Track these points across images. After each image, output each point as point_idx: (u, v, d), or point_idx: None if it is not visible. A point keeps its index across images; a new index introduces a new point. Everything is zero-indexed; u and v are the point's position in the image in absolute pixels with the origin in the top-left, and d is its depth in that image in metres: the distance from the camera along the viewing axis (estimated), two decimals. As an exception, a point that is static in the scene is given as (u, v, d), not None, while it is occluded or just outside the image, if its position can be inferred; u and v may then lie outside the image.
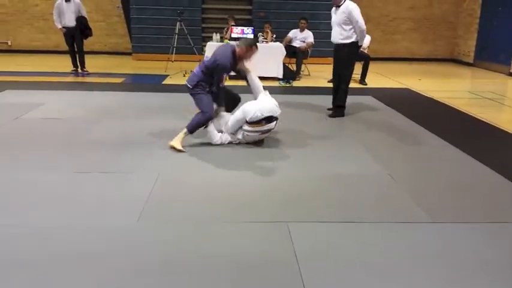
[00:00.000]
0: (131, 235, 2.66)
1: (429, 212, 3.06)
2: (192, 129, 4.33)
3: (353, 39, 5.45)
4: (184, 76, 8.56)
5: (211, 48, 8.36)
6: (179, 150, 4.18)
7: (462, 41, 12.17)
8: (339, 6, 5.44)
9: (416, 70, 10.61)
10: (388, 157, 4.21)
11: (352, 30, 5.41)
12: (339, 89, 5.71)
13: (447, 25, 12.41)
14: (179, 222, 2.83)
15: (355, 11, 5.33)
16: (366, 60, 8.26)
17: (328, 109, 5.98)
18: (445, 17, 12.36)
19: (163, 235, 2.68)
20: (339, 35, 5.47)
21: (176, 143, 4.22)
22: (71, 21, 8.29)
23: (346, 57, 5.55)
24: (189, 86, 4.34)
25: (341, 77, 5.67)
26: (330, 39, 5.76)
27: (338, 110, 5.76)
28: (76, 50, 8.55)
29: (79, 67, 8.65)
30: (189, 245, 2.57)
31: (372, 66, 8.56)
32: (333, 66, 5.87)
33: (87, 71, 8.64)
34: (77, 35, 8.41)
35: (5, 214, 2.89)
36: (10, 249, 2.47)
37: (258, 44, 4.44)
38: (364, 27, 5.39)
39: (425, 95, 7.41)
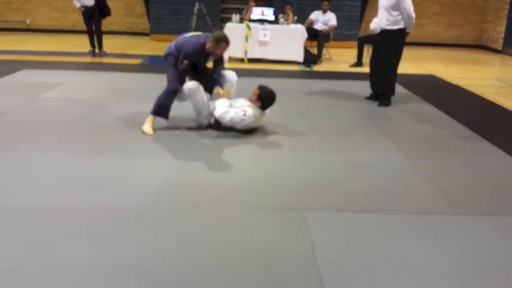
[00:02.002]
0: (145, 219, 2.60)
1: (451, 204, 2.92)
2: (155, 110, 4.15)
3: (400, 26, 5.15)
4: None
5: (229, 30, 8.21)
6: (147, 133, 4.08)
7: (491, 26, 11.72)
8: None
9: (443, 56, 10.28)
10: (411, 146, 4.04)
11: (400, 16, 5.11)
12: (384, 79, 5.43)
13: (476, 10, 11.97)
14: (193, 207, 2.75)
15: None
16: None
17: (367, 98, 5.71)
18: (473, 1, 11.92)
19: (177, 220, 2.61)
20: (386, 20, 5.18)
21: (146, 126, 4.13)
22: (89, 1, 8.21)
23: (393, 44, 5.25)
24: (164, 56, 4.21)
25: (386, 65, 5.38)
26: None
27: (385, 98, 5.47)
28: (94, 29, 8.48)
29: (97, 47, 8.59)
30: (202, 230, 2.49)
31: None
32: (375, 52, 5.65)
33: (104, 52, 8.57)
34: (96, 15, 8.32)
35: (22, 194, 2.86)
36: (27, 229, 2.45)
37: (229, 39, 4.03)
38: (413, 14, 5.10)
39: (451, 82, 7.14)
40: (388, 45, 5.27)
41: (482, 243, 2.49)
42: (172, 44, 4.19)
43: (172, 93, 4.15)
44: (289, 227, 2.58)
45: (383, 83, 5.44)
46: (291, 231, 2.53)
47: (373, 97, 5.65)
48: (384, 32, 5.26)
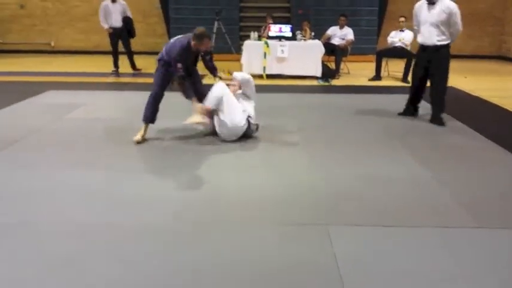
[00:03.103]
0: (166, 236, 2.64)
1: (475, 217, 2.90)
2: (144, 117, 4.48)
3: (449, 40, 5.09)
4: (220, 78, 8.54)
5: (248, 47, 8.34)
6: (137, 142, 4.37)
7: (510, 37, 11.62)
8: (433, 3, 4.99)
9: (462, 67, 10.20)
10: (432, 159, 4.02)
11: (449, 30, 5.03)
12: (437, 96, 5.23)
13: (494, 21, 11.89)
14: (214, 223, 2.79)
15: (457, 11, 4.95)
16: (409, 57, 7.99)
17: (400, 114, 5.56)
18: (491, 12, 11.85)
19: (198, 236, 2.64)
20: (436, 36, 5.02)
21: (138, 136, 4.43)
22: (117, 22, 8.37)
23: (445, 60, 5.14)
24: (157, 59, 4.54)
25: (443, 82, 5.19)
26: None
27: (438, 116, 5.25)
28: (125, 51, 8.64)
29: (131, 68, 8.72)
30: (223, 246, 2.52)
31: (415, 63, 8.27)
32: (418, 68, 5.37)
33: (138, 70, 8.71)
34: (124, 36, 8.49)
35: (48, 211, 2.94)
36: (54, 245, 2.52)
37: (211, 35, 4.57)
38: (461, 27, 5.05)
39: (472, 93, 7.09)
40: (443, 61, 5.13)
41: (507, 257, 2.46)
42: (163, 50, 4.49)
43: (153, 98, 4.50)
44: (313, 241, 2.59)
45: (437, 99, 5.25)
46: (315, 246, 2.54)
47: (409, 112, 5.54)
48: (436, 48, 5.08)
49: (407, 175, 3.62)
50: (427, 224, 2.81)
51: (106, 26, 8.40)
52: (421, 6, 5.14)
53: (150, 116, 4.50)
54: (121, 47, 8.64)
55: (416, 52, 5.42)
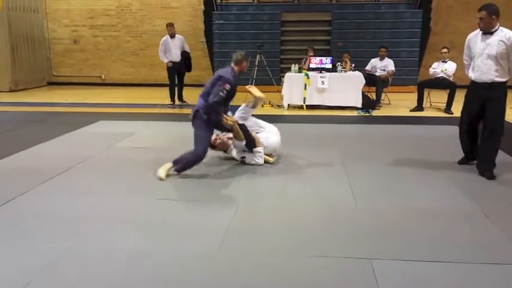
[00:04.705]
0: (212, 264, 2.70)
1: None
2: (180, 168, 4.32)
3: (507, 78, 4.35)
4: (262, 107, 8.72)
5: (289, 79, 8.51)
6: (160, 178, 4.24)
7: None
8: (490, 33, 4.28)
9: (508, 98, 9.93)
10: (482, 193, 3.92)
11: (508, 65, 4.30)
12: (490, 142, 4.41)
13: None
14: (258, 254, 2.83)
15: None
16: (452, 88, 7.91)
17: (460, 162, 4.80)
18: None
19: (242, 265, 2.69)
20: (494, 71, 4.27)
21: (161, 171, 4.29)
22: (177, 57, 8.73)
23: (503, 100, 4.38)
24: (190, 118, 4.46)
25: (498, 123, 4.40)
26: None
27: (490, 169, 4.41)
28: (177, 83, 8.92)
29: (178, 99, 8.96)
30: (267, 277, 2.55)
31: (459, 94, 8.14)
32: (470, 110, 4.57)
33: (184, 102, 8.95)
34: (182, 70, 8.83)
35: (93, 237, 3.05)
36: (98, 272, 2.61)
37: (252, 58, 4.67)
38: None
39: (519, 125, 6.87)
40: (500, 99, 4.37)
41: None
42: (199, 99, 4.46)
43: (198, 160, 4.33)
44: (356, 276, 2.57)
45: (487, 143, 4.44)
46: (358, 281, 2.52)
47: (466, 160, 4.78)
48: (492, 85, 4.32)
49: (454, 209, 3.56)
50: (477, 261, 2.74)
51: (166, 60, 8.74)
52: (475, 37, 4.43)
53: (182, 170, 4.37)
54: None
55: (466, 92, 4.65)
